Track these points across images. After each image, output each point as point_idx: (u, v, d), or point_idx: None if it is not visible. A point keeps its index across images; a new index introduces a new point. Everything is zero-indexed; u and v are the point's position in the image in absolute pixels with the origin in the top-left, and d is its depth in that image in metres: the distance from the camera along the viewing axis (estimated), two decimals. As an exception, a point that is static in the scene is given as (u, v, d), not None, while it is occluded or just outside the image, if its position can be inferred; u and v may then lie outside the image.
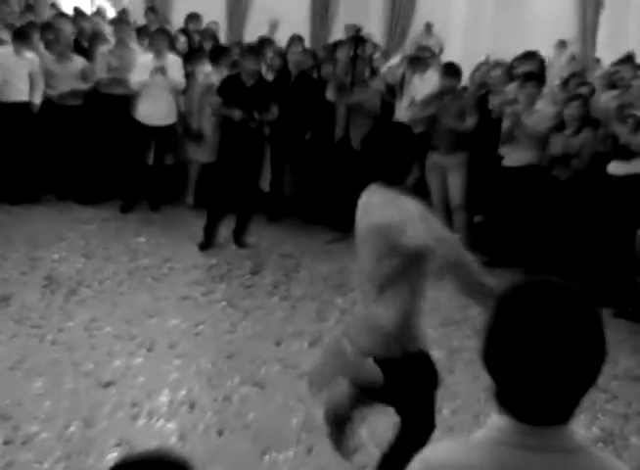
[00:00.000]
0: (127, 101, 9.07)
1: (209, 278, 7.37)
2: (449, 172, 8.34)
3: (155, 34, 9.25)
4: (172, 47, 9.44)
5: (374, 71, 9.48)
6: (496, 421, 1.62)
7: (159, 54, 8.91)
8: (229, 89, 8.00)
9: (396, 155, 3.54)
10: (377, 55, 10.04)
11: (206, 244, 8.14)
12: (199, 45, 10.06)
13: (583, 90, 8.15)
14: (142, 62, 8.95)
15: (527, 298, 1.56)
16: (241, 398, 5.10)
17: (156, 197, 9.38)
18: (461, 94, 8.38)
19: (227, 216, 8.26)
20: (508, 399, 1.59)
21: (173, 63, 9.00)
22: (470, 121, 8.18)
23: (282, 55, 9.49)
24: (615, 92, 8.17)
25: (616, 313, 6.94)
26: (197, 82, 9.20)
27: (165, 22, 10.30)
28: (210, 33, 10.51)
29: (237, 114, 7.87)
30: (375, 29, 13.49)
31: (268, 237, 8.65)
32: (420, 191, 7.87)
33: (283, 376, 5.45)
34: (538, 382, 1.53)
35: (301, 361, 5.60)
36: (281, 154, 9.15)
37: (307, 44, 10.96)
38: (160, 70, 8.79)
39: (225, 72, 8.88)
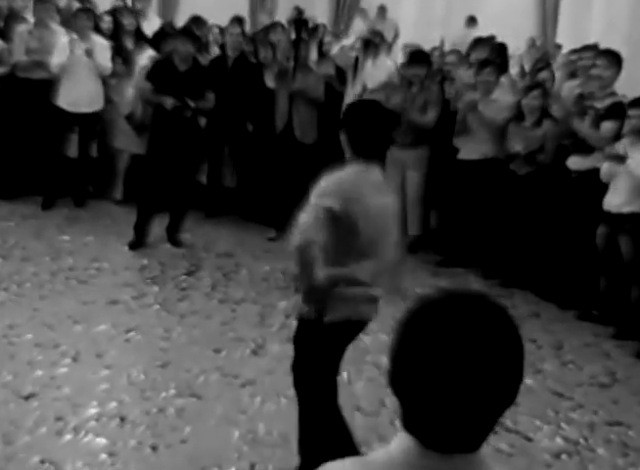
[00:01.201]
0: (48, 86, 8.91)
1: (141, 280, 7.28)
2: (408, 168, 8.37)
3: (77, 14, 9.10)
4: (97, 29, 9.29)
5: (323, 55, 9.45)
6: (401, 442, 1.56)
7: (82, 36, 8.77)
8: (160, 75, 7.91)
9: (373, 129, 3.90)
10: (327, 38, 10.01)
11: (137, 243, 8.04)
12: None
13: (543, 75, 8.23)
14: (63, 43, 8.79)
15: (434, 312, 1.51)
16: (176, 410, 5.02)
17: (80, 191, 9.23)
18: (428, 85, 8.39)
19: (160, 213, 8.17)
20: (413, 423, 1.54)
21: (100, 45, 8.88)
22: (431, 115, 8.21)
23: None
24: (576, 81, 8.25)
25: (579, 316, 7.04)
26: (136, 67, 9.09)
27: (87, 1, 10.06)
28: (131, 12, 10.30)
29: (169, 101, 7.77)
30: (321, 13, 13.48)
31: (205, 235, 8.58)
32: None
33: (222, 386, 5.38)
34: (445, 405, 1.47)
35: (243, 370, 5.57)
36: (218, 145, 9.07)
37: (248, 28, 10.91)
38: (87, 53, 8.68)
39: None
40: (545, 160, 7.42)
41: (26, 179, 9.22)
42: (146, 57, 9.09)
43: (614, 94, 7.25)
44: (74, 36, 8.82)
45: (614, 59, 7.26)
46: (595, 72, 7.32)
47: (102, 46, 8.93)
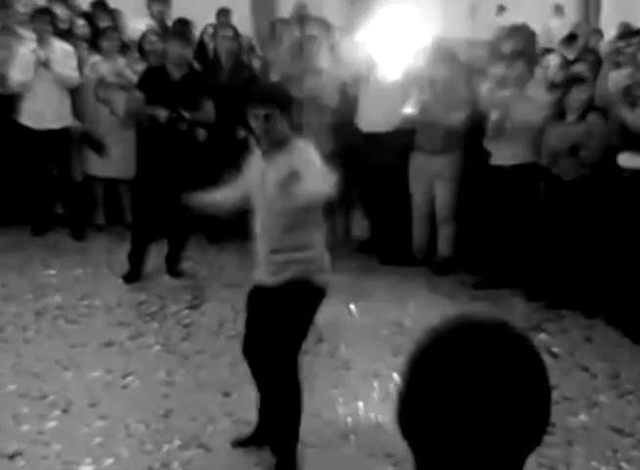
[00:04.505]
0: (9, 101, 8.98)
1: (138, 317, 7.30)
2: (437, 178, 8.35)
3: (35, 17, 9.02)
4: (69, 33, 9.32)
5: (335, 56, 9.44)
6: None
7: (42, 42, 8.80)
8: (152, 83, 7.93)
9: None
10: (337, 35, 10.01)
11: (133, 275, 8.06)
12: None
13: (581, 67, 8.21)
14: (22, 54, 8.82)
15: (447, 347, 1.49)
16: (182, 464, 5.02)
17: (79, 221, 9.30)
18: (455, 83, 8.39)
19: (157, 240, 8.19)
20: None
21: (61, 52, 8.87)
22: (459, 115, 8.20)
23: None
24: (623, 71, 8.21)
25: (637, 340, 6.97)
26: (84, 76, 9.15)
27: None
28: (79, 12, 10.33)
29: (163, 113, 7.79)
30: (330, 9, 13.48)
31: (209, 263, 8.60)
32: (401, 197, 7.98)
33: (234, 435, 5.34)
34: (462, 452, 1.46)
35: (255, 415, 5.52)
36: (219, 160, 9.06)
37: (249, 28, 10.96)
38: (44, 64, 8.70)
39: (119, 61, 8.97)
40: (590, 158, 7.36)
41: (3, 208, 9.30)
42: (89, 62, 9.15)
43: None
44: (31, 44, 8.82)
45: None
46: None
47: (65, 52, 8.92)
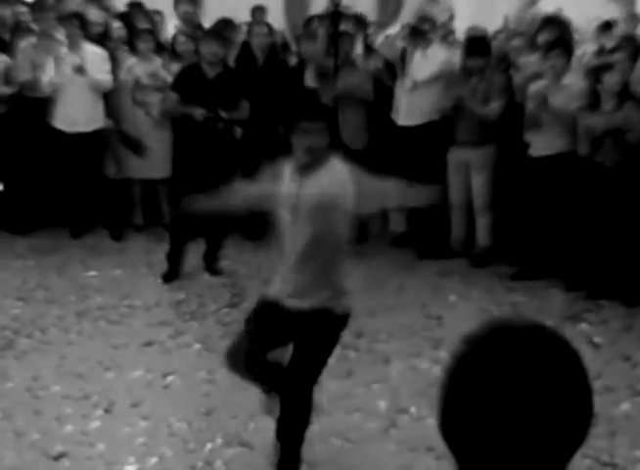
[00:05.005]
0: (44, 105, 9.08)
1: (178, 317, 7.33)
2: (473, 169, 8.38)
3: (64, 22, 9.08)
4: (105, 36, 9.40)
5: (370, 49, 9.46)
6: None
7: (73, 46, 8.89)
8: (187, 83, 7.98)
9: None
10: (370, 30, 10.02)
11: (172, 274, 8.12)
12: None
13: (618, 56, 8.13)
14: (57, 57, 8.91)
15: (485, 354, 1.51)
16: (225, 462, 5.06)
17: (119, 221, 9.39)
18: (491, 74, 8.39)
19: (195, 239, 8.24)
20: None
21: (93, 56, 8.94)
22: (494, 106, 8.20)
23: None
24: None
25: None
26: (119, 78, 9.21)
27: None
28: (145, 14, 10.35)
29: (199, 112, 7.83)
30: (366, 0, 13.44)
31: (247, 260, 8.62)
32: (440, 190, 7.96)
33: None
34: (504, 456, 1.47)
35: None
36: (255, 158, 9.09)
37: (282, 23, 10.95)
38: (78, 70, 8.80)
39: (155, 62, 9.02)
40: (633, 139, 7.30)
41: (41, 210, 9.38)
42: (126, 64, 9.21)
43: None
44: (64, 49, 8.92)
45: None
46: None
47: (98, 56, 8.99)
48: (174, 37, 9.62)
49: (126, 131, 9.28)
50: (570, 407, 1.48)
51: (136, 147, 9.22)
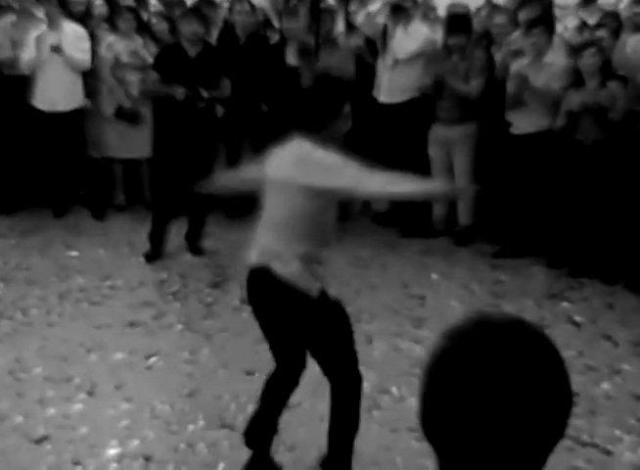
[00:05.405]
0: (23, 83, 9.02)
1: (161, 297, 7.34)
2: (455, 147, 8.39)
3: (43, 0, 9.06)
4: (87, 15, 9.34)
5: (351, 26, 9.43)
6: None
7: (51, 24, 8.83)
8: (168, 62, 7.94)
9: (315, 100, 4.35)
10: (352, 7, 9.97)
11: (154, 254, 8.11)
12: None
13: (601, 32, 8.13)
14: (35, 35, 8.84)
15: (465, 348, 1.52)
16: (208, 444, 5.06)
17: (100, 201, 9.36)
18: (471, 51, 8.39)
19: (177, 218, 8.24)
20: None
21: (73, 34, 8.89)
22: (475, 83, 8.22)
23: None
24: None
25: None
26: (98, 55, 9.17)
27: None
28: None
29: (180, 91, 7.80)
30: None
31: (230, 239, 8.57)
32: (422, 167, 7.94)
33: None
34: (486, 449, 1.48)
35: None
36: (237, 136, 9.09)
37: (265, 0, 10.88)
38: (55, 49, 8.75)
39: (136, 41, 8.99)
40: (616, 117, 7.33)
41: (23, 190, 9.35)
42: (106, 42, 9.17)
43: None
44: (44, 27, 8.86)
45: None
46: None
47: (77, 35, 8.94)
48: (150, 17, 9.57)
49: (121, 104, 9.21)
50: (548, 402, 1.49)
51: (133, 117, 9.17)
